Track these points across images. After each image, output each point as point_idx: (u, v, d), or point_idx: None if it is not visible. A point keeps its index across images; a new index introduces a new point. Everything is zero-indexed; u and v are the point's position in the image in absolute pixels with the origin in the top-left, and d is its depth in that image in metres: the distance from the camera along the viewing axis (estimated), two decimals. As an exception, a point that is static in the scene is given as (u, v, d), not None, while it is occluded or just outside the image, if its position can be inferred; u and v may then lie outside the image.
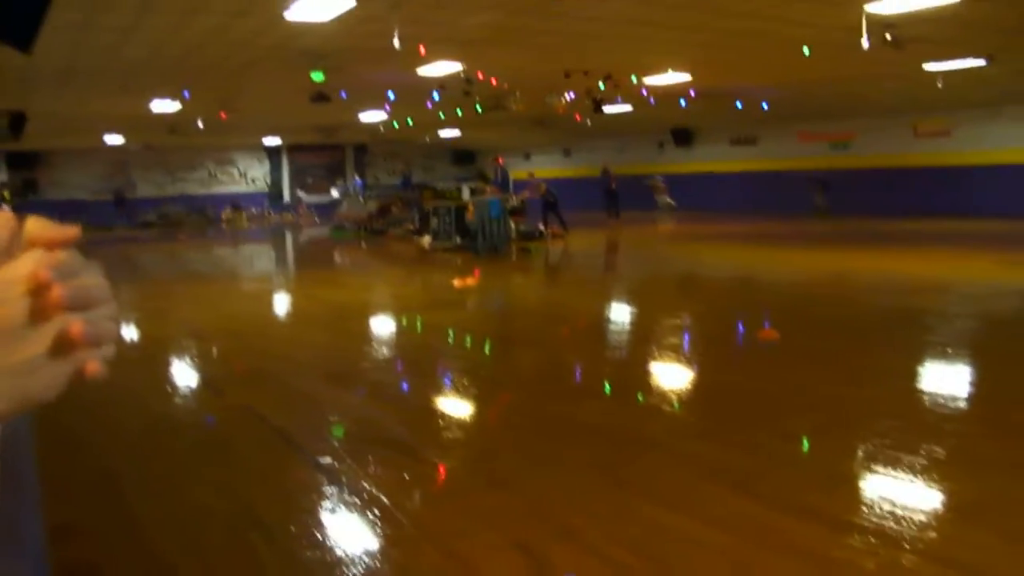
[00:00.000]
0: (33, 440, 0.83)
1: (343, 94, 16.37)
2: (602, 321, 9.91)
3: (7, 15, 7.09)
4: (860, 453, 4.63)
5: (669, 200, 27.58)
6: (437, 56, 13.14)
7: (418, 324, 9.99)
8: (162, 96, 16.66)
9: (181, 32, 10.58)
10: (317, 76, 13.46)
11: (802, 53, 13.45)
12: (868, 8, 10.53)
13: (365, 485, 4.30)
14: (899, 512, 3.68)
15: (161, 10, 9.42)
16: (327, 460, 4.77)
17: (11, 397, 0.63)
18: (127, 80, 14.09)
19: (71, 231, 0.65)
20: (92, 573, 3.66)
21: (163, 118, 19.92)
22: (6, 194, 23.96)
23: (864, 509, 3.78)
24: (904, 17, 10.90)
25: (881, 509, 3.74)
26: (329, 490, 4.34)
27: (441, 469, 4.65)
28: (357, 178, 32.10)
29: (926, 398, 5.73)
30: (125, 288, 14.76)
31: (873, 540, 3.43)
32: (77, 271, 0.64)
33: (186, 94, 16.24)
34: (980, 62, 15.20)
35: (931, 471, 4.22)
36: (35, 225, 0.65)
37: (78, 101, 16.51)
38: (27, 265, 0.63)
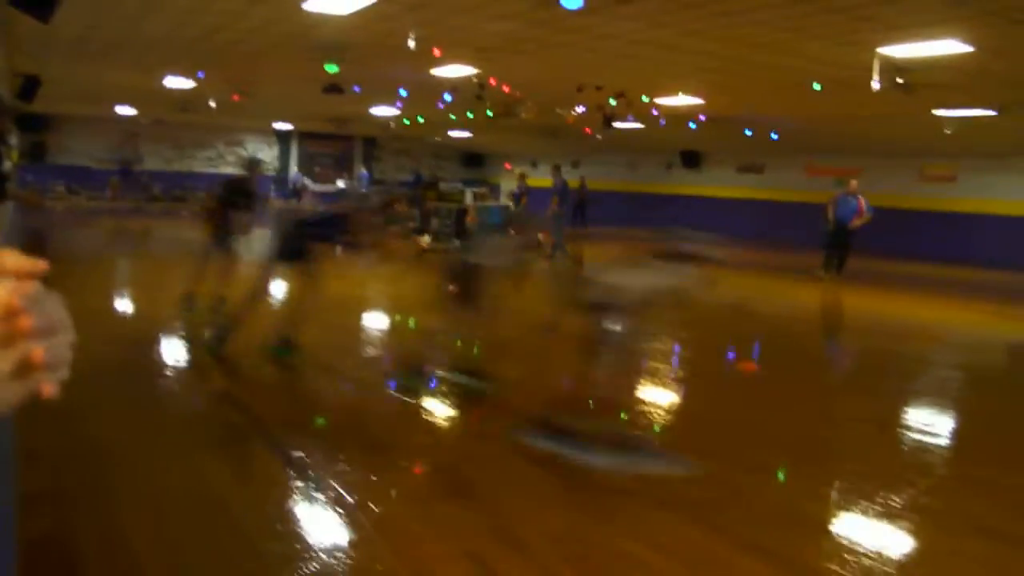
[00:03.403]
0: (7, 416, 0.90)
1: (356, 88, 16.44)
2: (590, 337, 9.93)
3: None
4: (821, 495, 4.71)
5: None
6: (452, 59, 13.21)
7: (408, 324, 10.04)
8: (176, 73, 16.71)
9: (200, 13, 10.64)
10: (331, 68, 13.52)
11: (813, 88, 13.53)
12: (881, 51, 10.61)
13: (333, 483, 4.36)
14: (847, 557, 3.75)
15: (182, -10, 9.50)
16: (299, 454, 4.82)
17: None
18: (142, 55, 14.15)
19: (40, 264, 0.74)
20: (61, 542, 3.72)
21: (176, 94, 19.97)
22: (14, 156, 23.96)
23: (815, 552, 3.85)
24: (916, 63, 10.97)
25: (831, 554, 3.81)
26: (297, 484, 4.40)
27: (410, 473, 4.71)
28: (364, 171, 32.15)
29: (894, 446, 5.78)
30: (121, 263, 14.82)
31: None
32: (43, 300, 0.72)
33: (200, 74, 16.31)
34: (990, 113, 15.29)
35: (886, 520, 4.28)
36: (9, 257, 0.73)
37: (92, 70, 16.57)
38: (0, 294, 0.70)
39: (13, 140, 25.09)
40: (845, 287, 14.19)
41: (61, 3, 7.59)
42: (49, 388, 0.74)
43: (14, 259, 0.73)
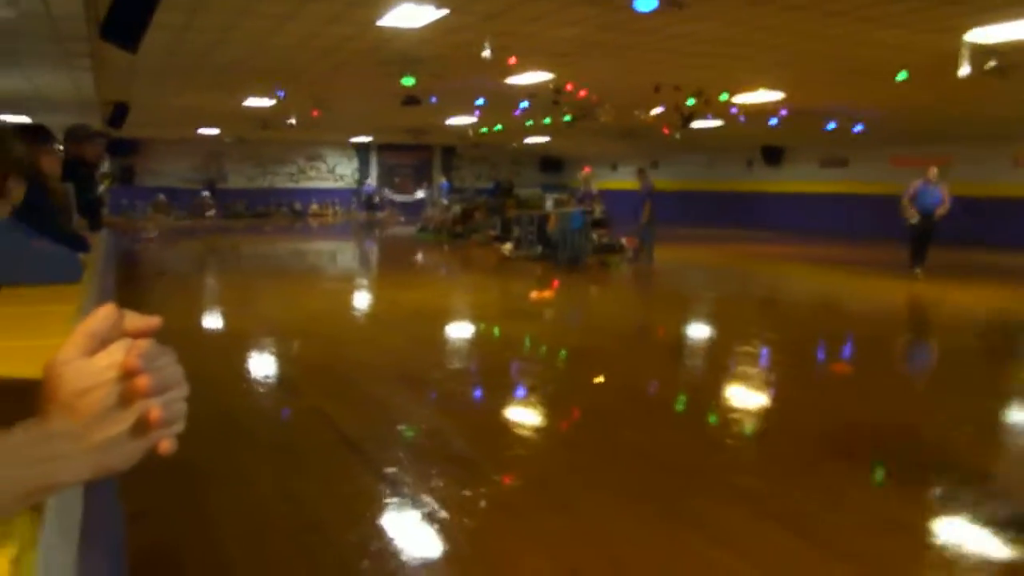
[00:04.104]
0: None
1: (433, 99, 16.56)
2: (678, 342, 9.86)
3: (117, 18, 7.40)
4: (921, 501, 4.55)
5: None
6: (527, 66, 13.23)
7: (493, 333, 10.06)
8: (256, 94, 17.09)
9: (276, 35, 10.85)
10: (408, 81, 13.66)
11: (897, 78, 13.18)
12: (968, 36, 10.27)
13: (426, 498, 4.37)
14: (949, 569, 3.62)
15: (258, 14, 9.68)
16: (392, 470, 4.85)
17: (93, 468, 0.74)
18: (223, 77, 14.49)
19: (154, 321, 0.78)
20: (163, 557, 3.81)
21: (256, 113, 20.44)
22: (107, 182, 24.86)
23: (915, 561, 3.72)
24: (1007, 45, 10.60)
25: (932, 564, 3.68)
26: (391, 500, 4.42)
27: (502, 487, 4.70)
28: (444, 181, 32.42)
29: (997, 450, 5.57)
30: (210, 279, 15.18)
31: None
32: (158, 357, 0.75)
33: (280, 92, 16.64)
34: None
35: (990, 529, 4.12)
36: (127, 317, 0.76)
37: (176, 95, 17.06)
38: (119, 354, 0.74)
39: (106, 166, 25.95)
40: (937, 280, 13.73)
41: (147, 33, 7.81)
42: (167, 444, 0.76)
43: (132, 318, 0.76)
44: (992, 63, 11.23)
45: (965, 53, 10.68)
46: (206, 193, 23.27)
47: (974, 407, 6.66)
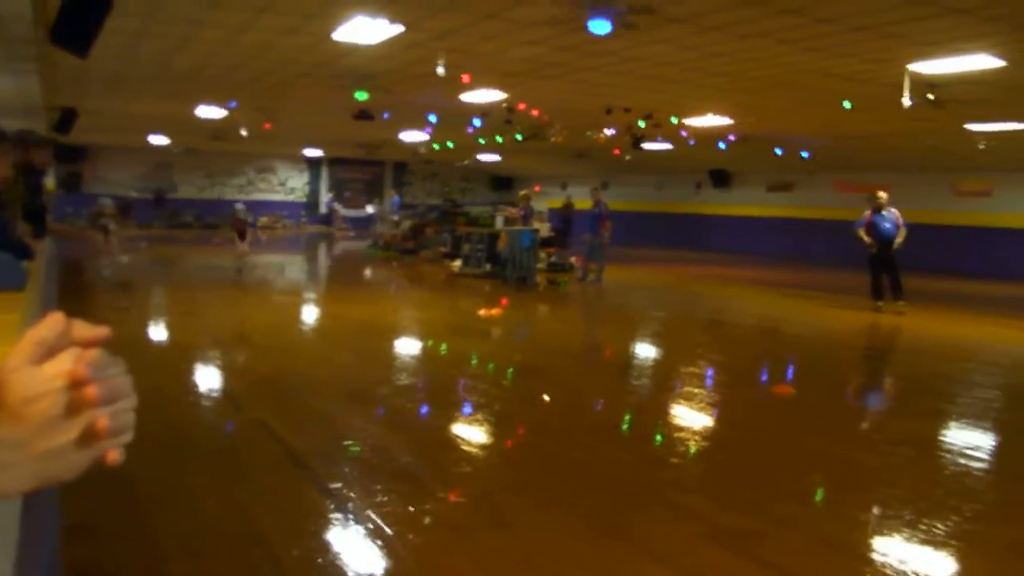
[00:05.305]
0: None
1: (386, 114, 16.57)
2: (625, 361, 9.94)
3: (67, 22, 7.32)
4: (861, 521, 4.64)
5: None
6: (481, 84, 13.30)
7: (441, 350, 10.06)
8: (209, 103, 16.96)
9: (231, 45, 10.80)
10: (361, 95, 13.66)
11: (843, 106, 13.47)
12: (911, 67, 10.56)
13: (371, 514, 4.36)
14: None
15: (213, 24, 9.64)
16: (337, 485, 4.84)
17: (38, 478, 0.73)
18: (175, 86, 14.37)
19: (103, 331, 0.76)
20: (102, 573, 3.76)
21: (208, 123, 20.26)
22: (51, 186, 24.30)
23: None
24: (946, 78, 10.90)
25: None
26: (335, 516, 4.41)
27: (447, 504, 4.70)
28: (395, 196, 32.39)
29: (936, 471, 5.70)
30: (157, 290, 14.98)
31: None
32: (107, 367, 0.74)
33: (232, 103, 16.53)
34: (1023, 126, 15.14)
35: (929, 548, 4.22)
36: (75, 326, 0.75)
37: (127, 101, 16.86)
38: (67, 363, 0.72)
39: (50, 173, 25.44)
40: (904, 309, 13.58)
41: (98, 37, 7.73)
42: (114, 455, 0.75)
43: (80, 327, 0.75)
44: (931, 95, 11.55)
45: (907, 84, 10.98)
46: (107, 200, 22.33)
47: (913, 429, 6.80)
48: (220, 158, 32.70)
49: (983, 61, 10.02)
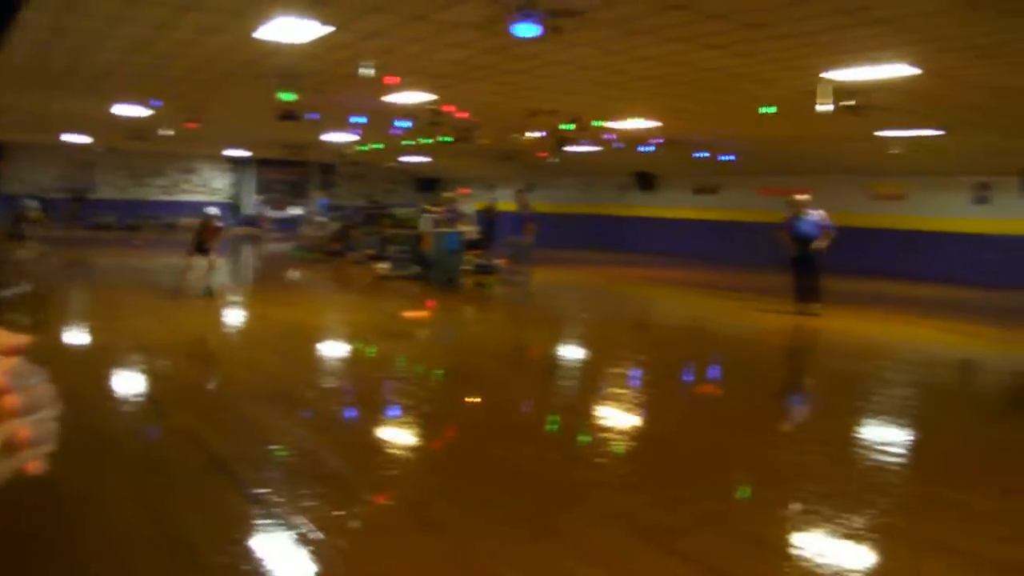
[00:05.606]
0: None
1: (312, 115, 16.41)
2: (552, 362, 10.01)
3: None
4: (782, 517, 4.77)
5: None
6: (408, 86, 13.26)
7: (368, 353, 10.02)
8: (130, 102, 16.60)
9: (153, 42, 10.59)
10: (286, 96, 13.51)
11: (765, 111, 13.74)
12: (829, 75, 10.83)
13: (298, 519, 4.33)
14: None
15: (133, 20, 9.44)
16: (263, 490, 4.79)
17: None
18: (94, 83, 14.04)
19: (24, 340, 0.74)
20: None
21: (130, 122, 19.82)
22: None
23: (776, 575, 3.89)
24: (864, 85, 11.20)
25: (797, 573, 3.86)
26: (262, 522, 4.36)
27: (375, 507, 4.69)
28: (322, 198, 32.06)
29: (854, 466, 5.87)
30: (77, 293, 14.62)
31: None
32: (29, 376, 0.72)
33: (154, 102, 16.20)
34: (936, 133, 15.62)
35: (847, 541, 4.35)
36: None
37: (43, 98, 16.40)
38: None
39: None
40: (819, 311, 13.80)
41: (11, 31, 7.53)
42: (36, 465, 0.73)
43: (0, 336, 0.73)
44: (848, 102, 11.87)
45: (825, 91, 11.26)
46: (32, 202, 21.29)
47: (831, 426, 7.00)
48: (143, 158, 32.03)
49: (899, 70, 10.33)
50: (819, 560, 4.06)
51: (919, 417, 7.62)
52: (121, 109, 17.44)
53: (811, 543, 4.33)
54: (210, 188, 35.38)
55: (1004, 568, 4.12)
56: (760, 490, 5.27)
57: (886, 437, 6.77)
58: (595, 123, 16.96)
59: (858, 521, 4.61)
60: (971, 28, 8.48)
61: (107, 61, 11.92)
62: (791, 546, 4.30)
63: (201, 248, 13.95)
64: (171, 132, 20.65)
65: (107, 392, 7.30)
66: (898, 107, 13.03)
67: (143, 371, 8.31)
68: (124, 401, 7.14)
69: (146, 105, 16.74)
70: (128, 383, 7.81)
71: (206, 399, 7.14)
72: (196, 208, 34.10)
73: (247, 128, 21.67)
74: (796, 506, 4.96)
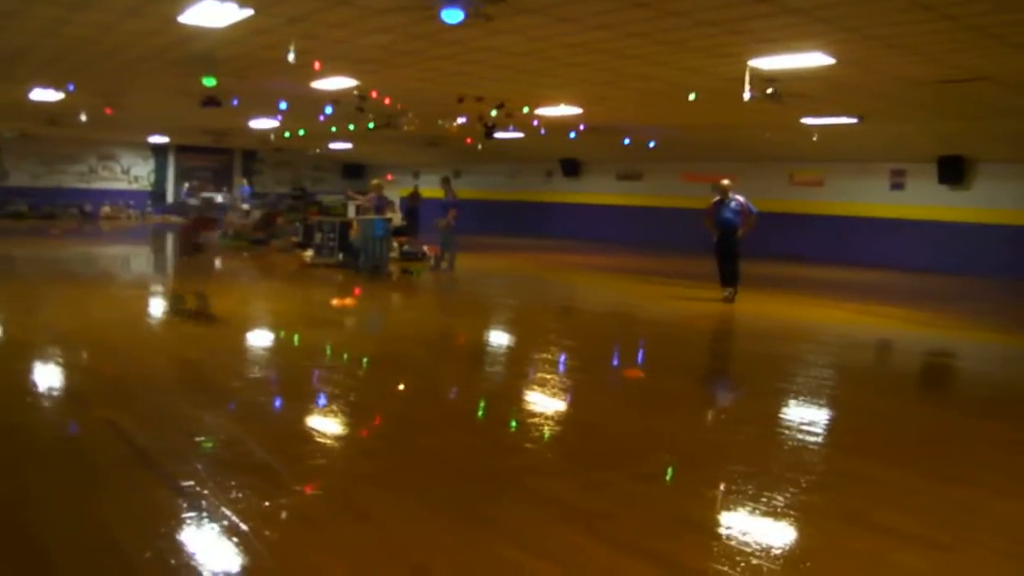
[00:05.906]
0: None
1: (235, 101, 16.16)
2: (479, 349, 10.03)
3: None
4: (707, 497, 4.88)
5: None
6: (332, 72, 13.13)
7: (294, 341, 9.93)
8: (43, 86, 16.12)
9: (68, 24, 10.32)
10: (209, 81, 13.29)
11: (688, 98, 13.92)
12: (751, 63, 11.02)
13: (226, 511, 4.28)
14: (734, 558, 3.90)
15: (45, 1, 9.18)
16: (189, 483, 4.72)
17: None
18: (5, 67, 13.60)
19: None
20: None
21: (43, 107, 19.26)
22: None
23: (703, 554, 3.98)
24: (783, 74, 11.42)
25: (719, 555, 3.95)
26: (188, 515, 4.31)
27: (303, 497, 4.67)
28: (245, 185, 31.57)
29: (775, 446, 6.01)
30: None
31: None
32: None
33: (70, 86, 15.77)
34: (852, 120, 16.01)
35: (770, 519, 4.47)
36: None
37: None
38: None
39: None
40: (733, 297, 13.80)
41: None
42: None
43: None
44: (770, 90, 12.10)
45: (747, 79, 11.46)
46: None
47: (754, 407, 7.16)
48: (58, 144, 31.13)
49: (815, 59, 10.56)
50: (744, 538, 4.16)
51: (837, 397, 7.83)
52: (36, 94, 16.94)
53: (737, 522, 4.43)
54: (131, 176, 34.58)
55: (918, 540, 4.28)
56: (686, 472, 5.38)
57: (806, 417, 6.95)
58: (522, 110, 17.01)
59: (780, 499, 4.73)
60: (878, 19, 8.73)
61: (19, 43, 11.57)
62: (718, 525, 4.40)
63: (195, 247, 11.74)
64: (84, 117, 20.11)
65: (23, 386, 7.10)
66: (816, 95, 13.32)
67: (61, 364, 8.12)
68: (42, 395, 6.97)
69: (61, 90, 16.29)
70: (46, 376, 7.62)
71: (128, 391, 7.00)
72: (117, 196, 33.40)
73: (168, 114, 21.23)
74: (721, 486, 5.07)
